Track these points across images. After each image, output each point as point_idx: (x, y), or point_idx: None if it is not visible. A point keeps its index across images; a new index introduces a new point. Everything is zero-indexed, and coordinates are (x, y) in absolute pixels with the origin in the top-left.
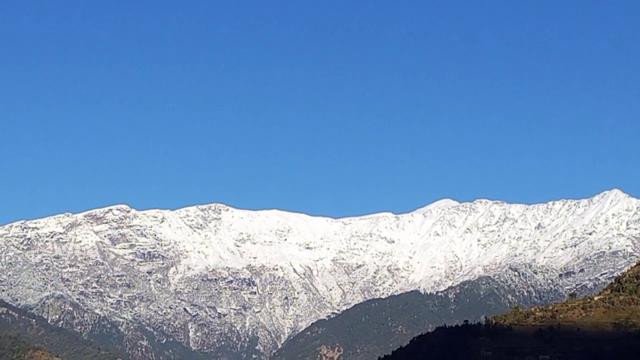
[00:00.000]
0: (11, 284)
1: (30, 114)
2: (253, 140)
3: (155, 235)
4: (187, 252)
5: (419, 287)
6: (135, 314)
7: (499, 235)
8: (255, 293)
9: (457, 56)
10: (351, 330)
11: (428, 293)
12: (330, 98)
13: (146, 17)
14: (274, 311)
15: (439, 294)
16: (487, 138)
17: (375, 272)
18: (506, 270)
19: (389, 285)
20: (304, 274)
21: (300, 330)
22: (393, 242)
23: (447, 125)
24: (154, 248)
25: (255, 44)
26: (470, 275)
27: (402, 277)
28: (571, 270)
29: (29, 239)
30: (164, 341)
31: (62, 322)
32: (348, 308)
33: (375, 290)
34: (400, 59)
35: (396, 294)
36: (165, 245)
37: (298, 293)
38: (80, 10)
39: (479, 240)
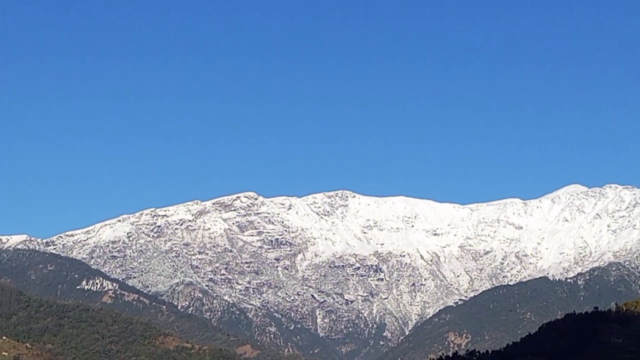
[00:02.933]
0: (142, 271)
1: (164, 105)
2: (379, 127)
3: (283, 222)
4: (314, 238)
5: (548, 274)
6: (263, 300)
7: (629, 221)
8: (382, 279)
9: (587, 45)
10: (479, 317)
11: (557, 279)
12: (459, 85)
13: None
14: (401, 298)
15: (568, 280)
16: (616, 122)
17: (503, 259)
18: (637, 256)
19: (517, 271)
20: (431, 261)
21: (428, 317)
22: (521, 228)
23: (575, 111)
24: (281, 235)
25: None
26: (600, 262)
27: (530, 263)
28: None
29: (159, 226)
30: (292, 327)
31: (191, 308)
32: (476, 295)
33: (503, 277)
34: (525, 49)
35: (524, 280)
36: (292, 232)
37: (425, 279)
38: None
39: (608, 226)
